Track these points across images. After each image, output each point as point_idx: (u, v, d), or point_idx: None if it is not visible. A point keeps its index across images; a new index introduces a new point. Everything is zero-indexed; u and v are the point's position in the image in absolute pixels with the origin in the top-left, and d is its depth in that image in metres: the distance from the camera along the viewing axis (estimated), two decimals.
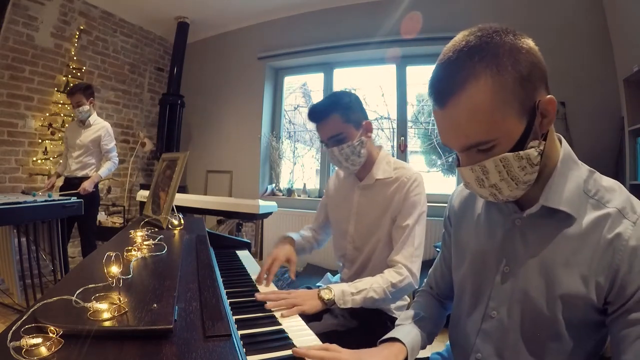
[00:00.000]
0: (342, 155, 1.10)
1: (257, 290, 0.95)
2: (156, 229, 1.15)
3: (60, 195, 2.43)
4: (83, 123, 2.63)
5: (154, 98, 4.24)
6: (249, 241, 1.48)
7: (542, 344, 0.57)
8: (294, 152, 3.87)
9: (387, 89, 3.39)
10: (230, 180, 3.97)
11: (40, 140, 3.10)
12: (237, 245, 1.43)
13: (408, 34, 2.99)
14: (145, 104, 4.19)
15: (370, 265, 1.16)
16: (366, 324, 1.06)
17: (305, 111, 4.00)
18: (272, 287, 1.00)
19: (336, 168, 1.30)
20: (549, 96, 0.52)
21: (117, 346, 0.44)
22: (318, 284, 1.25)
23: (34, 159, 3.07)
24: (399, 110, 3.32)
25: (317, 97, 3.86)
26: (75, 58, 3.30)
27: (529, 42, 0.52)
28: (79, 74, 3.31)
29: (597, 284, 0.52)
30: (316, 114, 1.11)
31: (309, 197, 3.57)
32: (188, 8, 3.72)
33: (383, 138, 3.35)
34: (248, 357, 0.58)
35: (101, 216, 3.46)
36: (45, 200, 2.11)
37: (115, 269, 0.60)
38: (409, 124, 3.32)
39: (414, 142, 3.38)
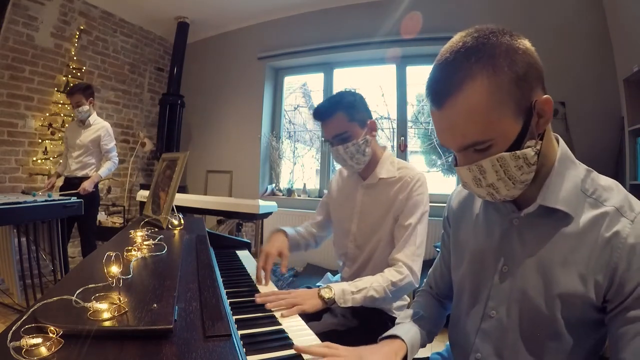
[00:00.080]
0: (347, 154, 1.11)
1: (257, 291, 0.95)
2: (156, 229, 1.15)
3: (60, 195, 2.43)
4: (83, 123, 2.63)
5: (154, 98, 4.24)
6: (249, 241, 1.48)
7: (541, 343, 0.57)
8: (294, 152, 3.88)
9: (387, 89, 3.39)
10: (230, 180, 3.97)
11: (40, 140, 3.10)
12: (237, 245, 1.43)
13: (408, 34, 2.99)
14: (145, 104, 4.19)
15: (371, 264, 1.16)
16: (366, 324, 1.06)
17: (305, 111, 4.00)
18: (272, 287, 1.00)
19: (339, 167, 1.31)
20: (545, 96, 0.52)
21: (117, 346, 0.44)
22: (318, 284, 1.25)
23: (34, 159, 3.07)
24: (399, 110, 3.32)
25: (317, 97, 3.86)
26: (75, 58, 3.30)
27: (525, 43, 0.52)
28: (79, 74, 3.31)
29: (596, 282, 0.52)
30: (322, 112, 1.12)
31: (309, 197, 3.57)
32: (188, 8, 3.72)
33: (383, 138, 3.35)
34: (248, 357, 0.58)
35: (101, 216, 3.46)
36: (45, 200, 2.11)
37: (115, 269, 0.60)
38: (409, 124, 3.32)
39: (414, 142, 3.38)
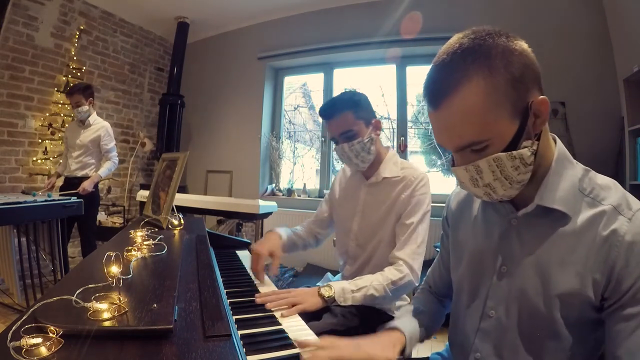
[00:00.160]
0: (352, 152, 1.12)
1: (257, 291, 0.95)
2: (156, 229, 1.15)
3: (60, 195, 2.43)
4: (83, 123, 2.63)
5: (154, 98, 4.24)
6: (249, 241, 1.48)
7: (541, 342, 0.57)
8: (294, 152, 3.88)
9: (387, 89, 3.39)
10: (230, 180, 3.97)
11: (40, 140, 3.10)
12: (237, 245, 1.43)
13: (408, 34, 2.99)
14: (145, 104, 4.19)
15: (372, 262, 1.17)
16: (366, 324, 1.06)
17: (305, 111, 4.00)
18: (272, 287, 1.00)
19: (342, 167, 1.33)
20: (541, 97, 0.52)
21: (117, 346, 0.44)
22: (318, 284, 1.25)
23: (34, 159, 3.08)
24: (399, 110, 3.32)
25: (317, 97, 3.86)
26: (75, 58, 3.30)
27: (522, 44, 0.52)
28: (79, 74, 3.31)
29: (594, 281, 0.53)
30: (328, 110, 1.14)
31: (309, 197, 3.57)
32: (188, 8, 3.72)
33: (383, 138, 3.33)
34: (248, 357, 0.58)
35: (101, 216, 3.46)
36: (45, 200, 2.11)
37: (115, 269, 0.60)
38: (409, 124, 3.32)
39: (414, 142, 3.38)
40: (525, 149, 0.52)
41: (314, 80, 3.92)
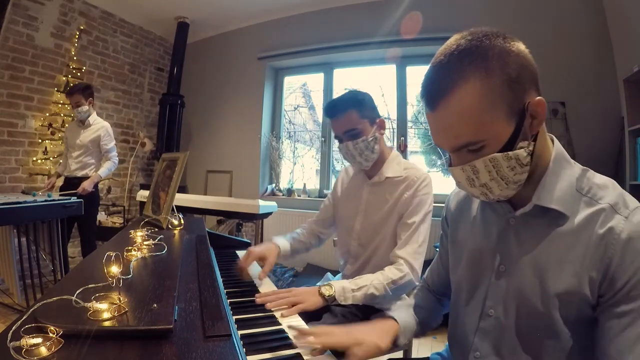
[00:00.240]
0: (356, 150, 1.13)
1: (257, 291, 0.95)
2: (156, 229, 1.15)
3: (60, 195, 2.43)
4: (83, 123, 2.63)
5: (154, 98, 4.24)
6: (249, 241, 1.48)
7: (539, 341, 0.57)
8: (294, 152, 3.88)
9: (387, 89, 3.39)
10: (230, 180, 3.97)
11: (40, 140, 3.10)
12: (237, 245, 1.43)
13: (408, 34, 2.99)
14: (145, 104, 4.19)
15: (373, 261, 1.18)
16: None
17: (305, 111, 4.01)
18: (272, 287, 1.00)
19: (342, 167, 1.32)
20: (538, 98, 0.53)
21: (117, 346, 0.44)
22: (318, 284, 1.25)
23: (34, 159, 3.07)
24: (399, 110, 3.32)
25: (317, 97, 3.86)
26: (75, 58, 3.30)
27: (519, 45, 0.53)
28: (79, 74, 3.31)
29: (590, 279, 0.53)
30: (334, 108, 1.15)
31: (309, 197, 3.57)
32: (188, 8, 3.72)
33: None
34: (248, 357, 0.58)
35: (101, 216, 3.46)
36: (45, 200, 2.11)
37: (115, 269, 0.60)
38: (409, 124, 3.32)
39: (414, 142, 3.38)
40: (521, 149, 0.53)
41: (314, 80, 3.92)
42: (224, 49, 4.14)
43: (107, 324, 0.48)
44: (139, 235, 0.93)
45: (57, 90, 3.17)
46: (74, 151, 2.63)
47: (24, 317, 0.45)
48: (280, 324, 0.75)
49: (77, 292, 0.53)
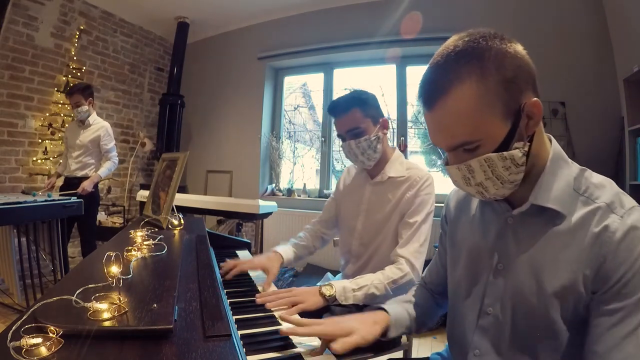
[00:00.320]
0: (358, 149, 1.13)
1: (258, 291, 0.95)
2: (156, 229, 1.15)
3: (60, 195, 2.43)
4: (82, 123, 2.63)
5: (154, 98, 4.24)
6: (249, 241, 1.48)
7: (537, 339, 0.58)
8: (294, 152, 3.88)
9: (387, 89, 3.39)
10: (230, 180, 3.97)
11: (40, 140, 3.10)
12: (237, 245, 1.43)
13: (408, 34, 2.99)
14: (145, 104, 4.19)
15: (374, 260, 1.18)
16: None
17: (305, 111, 4.01)
18: (272, 287, 1.01)
19: (347, 166, 1.35)
20: (534, 99, 0.53)
21: (117, 346, 0.44)
22: (318, 284, 1.25)
23: (34, 159, 3.07)
24: (399, 110, 3.32)
25: (317, 97, 3.86)
26: (75, 58, 3.30)
27: (516, 47, 0.53)
28: (79, 74, 3.31)
29: (584, 276, 0.53)
30: (337, 107, 1.15)
31: (309, 197, 3.57)
32: (188, 8, 3.72)
33: None
34: (248, 357, 0.58)
35: (101, 216, 3.46)
36: (45, 200, 2.11)
37: (115, 269, 0.60)
38: (409, 124, 3.32)
39: (414, 142, 3.38)
40: (516, 149, 0.53)
41: (314, 80, 3.92)
42: (224, 49, 4.14)
43: (107, 324, 0.48)
44: (139, 235, 0.93)
45: (57, 90, 3.17)
46: (74, 151, 2.63)
47: (24, 317, 0.45)
48: (280, 324, 0.75)
49: (77, 292, 0.53)
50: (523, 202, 0.59)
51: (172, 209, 1.24)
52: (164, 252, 0.86)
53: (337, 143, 3.53)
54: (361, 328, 0.67)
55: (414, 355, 1.24)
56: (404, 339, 1.16)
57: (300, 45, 3.53)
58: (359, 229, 1.21)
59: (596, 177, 0.58)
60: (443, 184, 3.16)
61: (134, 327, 0.48)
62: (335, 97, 3.50)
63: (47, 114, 3.12)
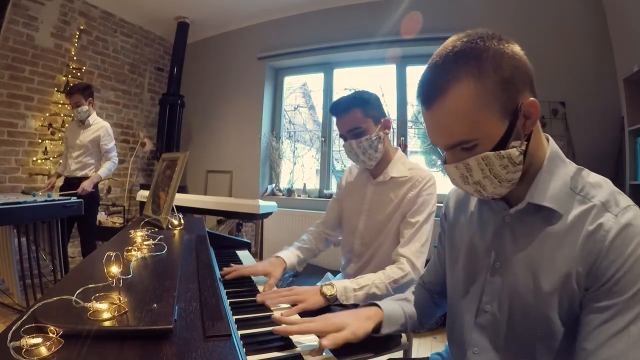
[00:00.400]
0: (359, 149, 1.13)
1: (258, 291, 0.95)
2: (156, 229, 1.15)
3: (60, 195, 2.43)
4: (82, 123, 2.63)
5: (154, 98, 4.24)
6: (249, 241, 1.48)
7: (534, 337, 0.58)
8: (294, 152, 3.88)
9: (387, 89, 3.39)
10: (230, 180, 3.97)
11: (40, 140, 3.10)
12: (237, 245, 1.43)
13: (408, 34, 2.99)
14: (145, 104, 4.19)
15: (375, 260, 1.18)
16: None
17: (305, 111, 4.01)
18: (272, 287, 1.00)
19: (348, 166, 1.35)
20: (531, 99, 0.54)
21: (117, 346, 0.44)
22: (318, 284, 1.25)
23: (34, 159, 3.07)
24: (399, 110, 3.32)
25: (317, 97, 3.86)
26: (75, 58, 3.30)
27: (514, 47, 0.54)
28: (79, 74, 3.31)
29: (578, 274, 0.53)
30: (338, 107, 1.16)
31: (309, 197, 3.57)
32: (188, 8, 3.72)
33: None
34: (248, 357, 0.58)
35: (101, 216, 3.46)
36: (45, 200, 2.11)
37: (115, 269, 0.60)
38: (409, 124, 3.32)
39: (414, 142, 3.38)
40: (513, 149, 0.54)
41: (314, 80, 3.92)
42: (224, 49, 4.14)
43: (107, 324, 0.48)
44: (139, 235, 0.93)
45: (57, 90, 3.17)
46: (74, 151, 2.63)
47: (24, 317, 0.45)
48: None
49: (77, 292, 0.53)
50: (520, 200, 0.60)
51: (172, 209, 1.24)
52: (164, 252, 0.86)
53: (337, 143, 3.54)
54: (352, 323, 0.67)
55: (414, 355, 1.24)
56: (404, 339, 1.16)
57: (300, 45, 3.53)
58: (361, 229, 1.21)
59: (593, 177, 0.59)
60: (443, 184, 3.17)
61: (134, 327, 0.48)
62: (335, 97, 3.50)
63: (47, 114, 3.12)
